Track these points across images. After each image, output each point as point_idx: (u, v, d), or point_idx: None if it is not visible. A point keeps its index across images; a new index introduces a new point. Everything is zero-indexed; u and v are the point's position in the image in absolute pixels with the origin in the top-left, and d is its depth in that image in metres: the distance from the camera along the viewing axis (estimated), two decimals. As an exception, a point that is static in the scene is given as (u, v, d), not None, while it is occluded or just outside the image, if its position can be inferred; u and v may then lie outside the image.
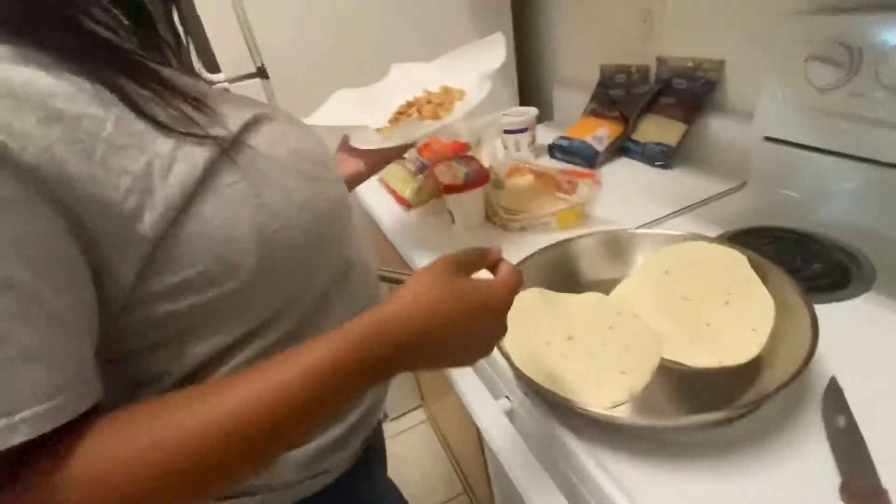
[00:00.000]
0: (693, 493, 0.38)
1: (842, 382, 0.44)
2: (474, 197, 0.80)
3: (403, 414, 1.64)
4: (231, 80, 1.01)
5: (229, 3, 0.96)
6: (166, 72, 0.34)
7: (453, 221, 0.84)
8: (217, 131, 0.33)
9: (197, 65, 0.49)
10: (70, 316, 0.27)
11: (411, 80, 0.76)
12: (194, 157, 0.31)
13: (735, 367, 0.46)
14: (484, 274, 0.40)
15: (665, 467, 0.40)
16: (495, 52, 0.69)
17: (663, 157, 0.90)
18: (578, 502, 0.44)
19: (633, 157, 0.97)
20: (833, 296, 0.55)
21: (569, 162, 1.00)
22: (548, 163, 1.02)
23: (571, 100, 1.18)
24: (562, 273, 0.61)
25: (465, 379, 0.59)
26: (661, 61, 0.96)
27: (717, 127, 0.86)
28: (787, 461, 0.39)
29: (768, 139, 0.75)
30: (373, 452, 0.54)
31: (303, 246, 0.37)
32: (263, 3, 0.98)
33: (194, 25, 0.95)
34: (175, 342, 0.34)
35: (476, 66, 0.68)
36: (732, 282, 0.52)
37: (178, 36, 0.41)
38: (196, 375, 0.36)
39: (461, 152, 0.94)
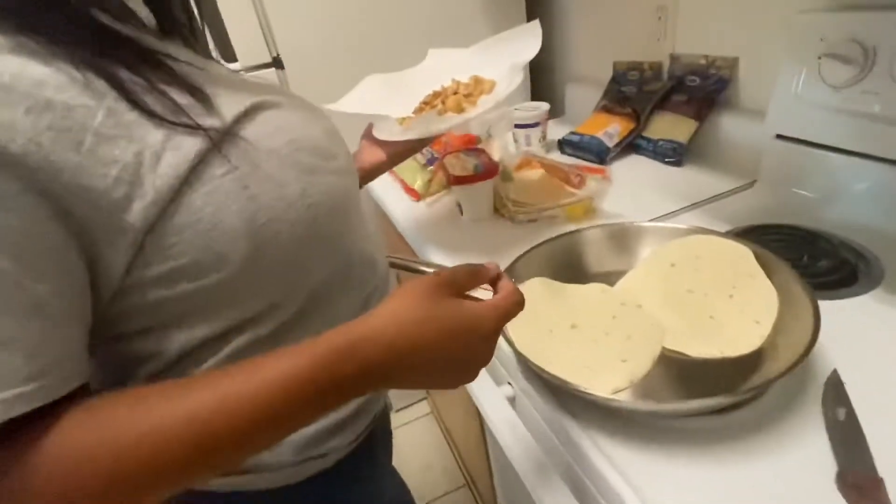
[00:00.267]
0: (691, 478, 0.39)
1: (844, 376, 0.44)
2: (483, 189, 0.81)
3: (408, 406, 1.65)
4: (246, 70, 1.02)
5: (247, -6, 0.98)
6: (169, 61, 0.34)
7: (462, 213, 0.84)
8: (210, 121, 0.32)
9: (213, 53, 0.49)
10: (53, 302, 0.27)
11: (446, 66, 0.73)
12: (185, 147, 0.31)
13: (737, 359, 0.46)
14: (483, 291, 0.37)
15: (665, 453, 0.41)
16: (531, 41, 0.66)
17: (674, 154, 0.90)
18: (578, 488, 0.45)
19: (643, 154, 0.97)
20: (839, 293, 0.54)
21: (579, 157, 1.01)
22: (558, 158, 1.02)
23: (584, 96, 1.18)
24: (567, 264, 0.62)
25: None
26: (674, 58, 0.96)
27: (729, 125, 0.86)
28: (785, 450, 0.39)
29: (780, 137, 0.75)
30: (375, 439, 0.54)
31: (297, 239, 0.37)
32: (281, -7, 0.99)
33: (212, 14, 0.97)
34: (168, 326, 0.35)
35: (510, 56, 0.65)
36: (737, 275, 0.52)
37: (192, 16, 0.42)
38: (190, 357, 0.36)
39: (471, 145, 0.95)
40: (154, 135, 0.30)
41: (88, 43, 0.29)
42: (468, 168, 0.80)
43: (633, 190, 0.86)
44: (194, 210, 0.31)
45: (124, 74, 0.30)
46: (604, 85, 1.11)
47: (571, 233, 0.63)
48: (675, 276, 0.56)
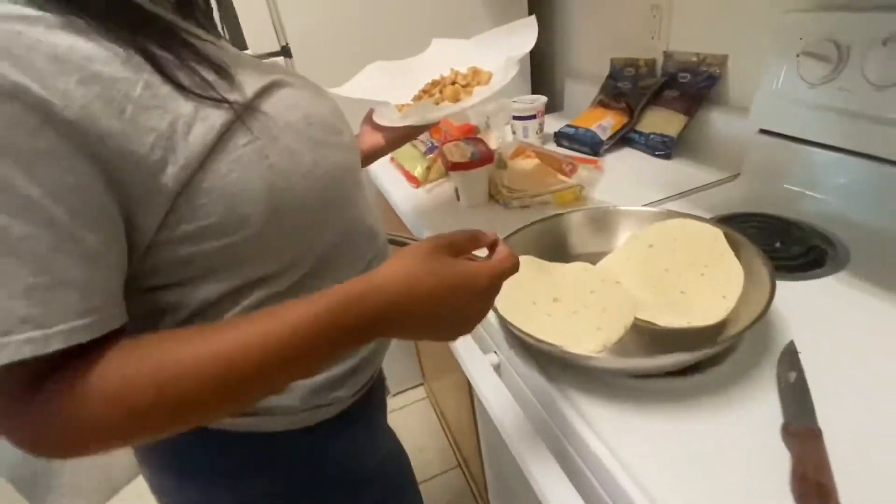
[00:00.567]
0: (657, 431, 0.42)
1: (800, 347, 0.48)
2: (479, 175, 0.85)
3: (404, 391, 1.70)
4: (257, 57, 1.06)
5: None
6: (194, 40, 0.37)
7: (458, 198, 0.88)
8: (234, 96, 0.36)
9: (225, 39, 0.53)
10: (101, 251, 0.31)
11: (448, 56, 0.76)
12: (212, 118, 0.34)
13: (703, 329, 0.50)
14: (481, 254, 0.41)
15: (633, 410, 0.45)
16: (527, 36, 0.68)
17: (664, 148, 0.94)
18: (555, 445, 0.49)
19: (636, 147, 1.01)
20: (807, 275, 0.58)
21: (574, 149, 1.05)
22: (555, 149, 1.06)
23: (582, 91, 1.22)
24: (554, 245, 0.66)
25: (461, 342, 0.65)
26: (667, 56, 0.99)
27: (717, 120, 0.90)
28: (741, 407, 0.43)
29: (763, 132, 0.78)
30: (373, 396, 0.59)
31: (308, 205, 0.41)
32: (291, -16, 1.03)
33: (226, 4, 1.01)
34: (193, 280, 0.39)
35: (506, 50, 0.68)
36: (709, 255, 0.56)
37: (209, 2, 0.46)
38: (211, 309, 0.40)
39: (470, 134, 0.99)
40: (185, 106, 0.33)
41: (127, 23, 0.33)
42: (465, 155, 0.84)
43: (624, 180, 0.90)
44: (220, 175, 0.35)
45: (158, 52, 0.33)
46: (601, 80, 1.14)
47: (558, 215, 0.67)
48: (653, 256, 0.60)
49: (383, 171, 1.09)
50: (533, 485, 0.46)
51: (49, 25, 0.29)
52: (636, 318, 0.53)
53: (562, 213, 0.67)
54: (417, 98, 0.74)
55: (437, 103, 0.68)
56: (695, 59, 0.94)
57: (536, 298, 0.57)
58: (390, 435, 0.66)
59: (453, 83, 0.71)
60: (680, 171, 0.90)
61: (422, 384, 1.71)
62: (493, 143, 0.99)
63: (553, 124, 1.14)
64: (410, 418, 1.61)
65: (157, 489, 0.50)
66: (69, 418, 0.29)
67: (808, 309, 0.53)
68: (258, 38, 1.06)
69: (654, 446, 0.41)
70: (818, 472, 0.36)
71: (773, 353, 0.48)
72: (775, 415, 0.42)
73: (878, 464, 0.37)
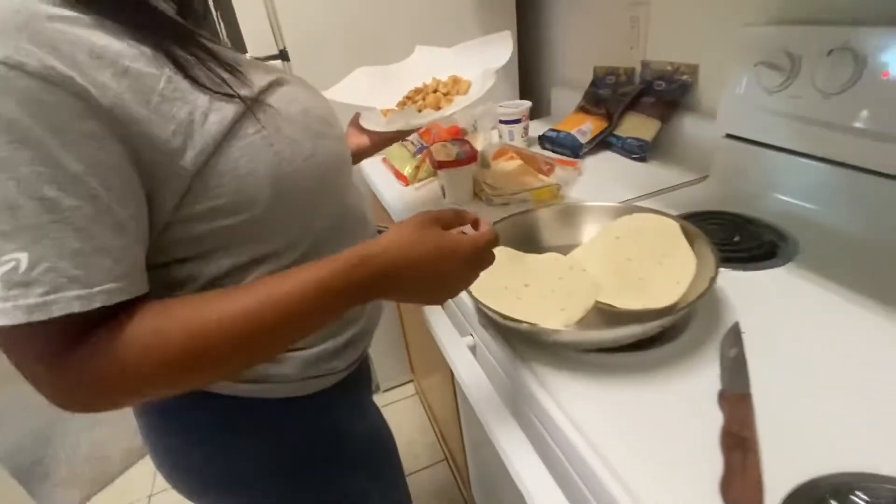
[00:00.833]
0: (609, 399, 0.47)
1: (745, 328, 0.53)
2: (463, 173, 0.90)
3: (394, 387, 1.74)
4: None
5: (259, -9, 1.07)
6: (209, 43, 0.43)
7: (444, 195, 0.93)
8: (243, 91, 0.41)
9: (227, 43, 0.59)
10: (131, 225, 0.36)
11: (430, 63, 0.81)
12: (224, 110, 0.39)
13: (658, 310, 0.55)
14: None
15: (591, 381, 0.49)
16: (502, 49, 0.73)
17: (639, 151, 0.99)
18: (521, 414, 0.53)
19: (614, 150, 1.06)
20: (759, 265, 0.63)
21: (556, 151, 1.10)
22: (539, 152, 1.11)
23: (567, 98, 1.28)
24: (527, 237, 0.70)
25: (437, 319, 0.69)
26: (644, 65, 1.05)
27: (689, 125, 0.95)
28: (686, 378, 0.48)
29: (729, 136, 0.84)
30: (362, 373, 0.65)
31: (308, 188, 0.46)
32: (289, -8, 1.09)
33: (228, 10, 1.07)
34: (204, 256, 0.43)
35: (484, 61, 0.72)
36: (666, 245, 0.61)
37: (208, 9, 0.51)
38: (218, 283, 0.44)
39: (457, 136, 1.04)
40: (202, 99, 0.38)
41: (151, 26, 0.38)
42: (451, 155, 0.89)
43: (601, 180, 0.95)
44: (232, 160, 0.40)
45: (178, 52, 0.38)
46: (585, 88, 1.20)
47: (531, 210, 0.72)
48: (618, 246, 0.64)
49: (374, 170, 1.14)
50: (501, 454, 0.50)
51: (85, 25, 0.34)
52: (598, 302, 0.58)
53: (535, 209, 0.72)
54: (401, 104, 0.79)
55: (419, 110, 0.73)
56: (669, 67, 0.99)
57: (509, 284, 0.62)
58: (376, 410, 0.71)
59: (435, 91, 0.76)
60: (654, 173, 0.95)
61: (411, 381, 1.75)
62: (479, 145, 1.04)
63: (539, 128, 1.19)
64: (400, 414, 1.65)
65: (162, 451, 0.54)
66: (106, 369, 0.33)
67: (756, 295, 0.58)
68: (257, 42, 1.11)
69: (607, 412, 0.46)
70: (743, 427, 0.40)
71: (720, 333, 0.53)
72: (716, 384, 0.47)
73: (798, 423, 0.42)
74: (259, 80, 0.44)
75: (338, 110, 0.57)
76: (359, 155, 0.74)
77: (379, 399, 1.58)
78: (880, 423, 0.41)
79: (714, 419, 0.43)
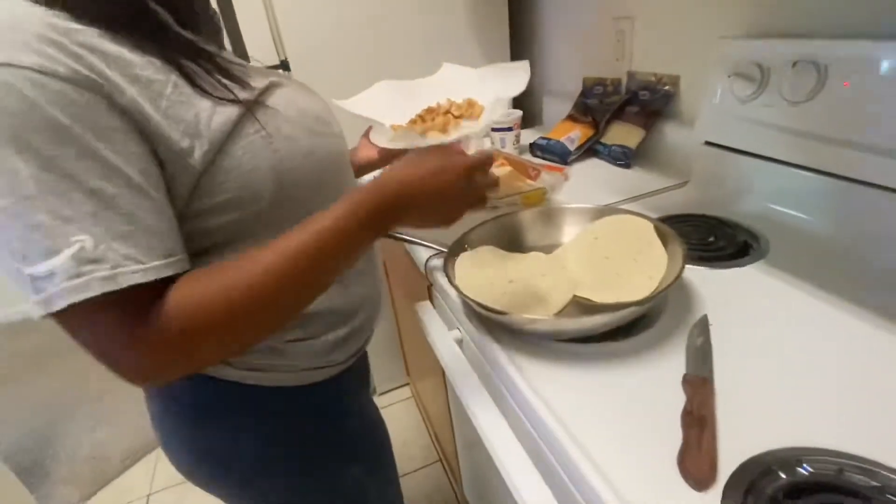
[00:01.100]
0: (584, 385, 0.50)
1: (714, 320, 0.56)
2: (455, 178, 0.93)
3: (390, 390, 1.76)
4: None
5: (261, 6, 1.12)
6: (212, 52, 0.46)
7: (437, 199, 0.97)
8: (244, 95, 0.45)
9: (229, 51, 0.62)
10: (165, 207, 0.40)
11: (453, 82, 0.80)
12: (227, 112, 0.43)
13: (632, 302, 0.58)
14: None
15: (566, 368, 0.52)
16: (520, 79, 0.73)
17: (624, 158, 1.03)
18: (500, 396, 0.56)
19: (601, 157, 1.10)
20: (731, 263, 0.67)
21: (546, 158, 1.14)
22: (529, 159, 1.16)
23: (558, 107, 1.32)
24: (513, 238, 0.74)
25: (428, 315, 0.73)
26: (630, 75, 1.10)
27: (671, 133, 0.99)
28: (654, 365, 0.51)
29: (708, 143, 0.88)
30: (360, 367, 0.68)
31: (307, 184, 0.49)
32: (290, 4, 1.14)
33: (231, 21, 1.12)
34: (210, 250, 0.46)
35: (499, 88, 0.72)
36: (642, 243, 0.64)
37: (211, 20, 0.55)
38: None
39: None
40: (206, 103, 0.42)
41: (161, 41, 0.42)
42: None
43: (587, 185, 0.99)
44: (236, 158, 0.43)
45: (183, 62, 0.42)
46: (575, 97, 1.24)
47: (516, 212, 0.75)
48: (596, 245, 0.68)
49: (373, 173, 1.18)
50: (482, 437, 0.53)
51: (97, 35, 0.37)
52: (577, 296, 0.61)
53: (519, 211, 0.76)
54: (412, 122, 0.79)
55: (425, 132, 0.75)
56: (653, 78, 1.04)
57: (494, 280, 0.65)
58: (374, 406, 0.74)
59: (446, 113, 0.76)
60: (637, 179, 0.99)
61: (407, 384, 1.77)
62: (471, 152, 1.08)
63: (531, 136, 1.24)
64: (396, 416, 1.67)
65: (168, 432, 0.57)
66: (166, 336, 0.37)
67: (726, 291, 0.62)
68: (259, 52, 1.16)
69: (579, 395, 0.49)
70: (702, 407, 0.44)
71: (690, 325, 0.56)
72: (682, 370, 0.50)
73: (754, 404, 0.45)
74: (258, 83, 0.48)
75: (353, 120, 0.60)
76: (367, 167, 0.78)
77: (376, 401, 1.60)
78: (828, 403, 0.45)
79: (678, 401, 0.46)
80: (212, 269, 0.40)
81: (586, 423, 0.45)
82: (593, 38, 1.20)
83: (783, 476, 0.38)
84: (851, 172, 0.66)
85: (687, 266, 0.65)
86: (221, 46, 0.55)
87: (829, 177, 0.69)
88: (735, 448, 0.41)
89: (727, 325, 0.55)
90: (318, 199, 0.51)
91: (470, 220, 0.88)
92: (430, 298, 0.81)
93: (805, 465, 0.39)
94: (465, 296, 0.58)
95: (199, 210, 0.43)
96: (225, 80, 0.45)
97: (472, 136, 0.68)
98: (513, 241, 0.74)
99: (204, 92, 0.42)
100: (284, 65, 1.19)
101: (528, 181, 0.94)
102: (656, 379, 0.50)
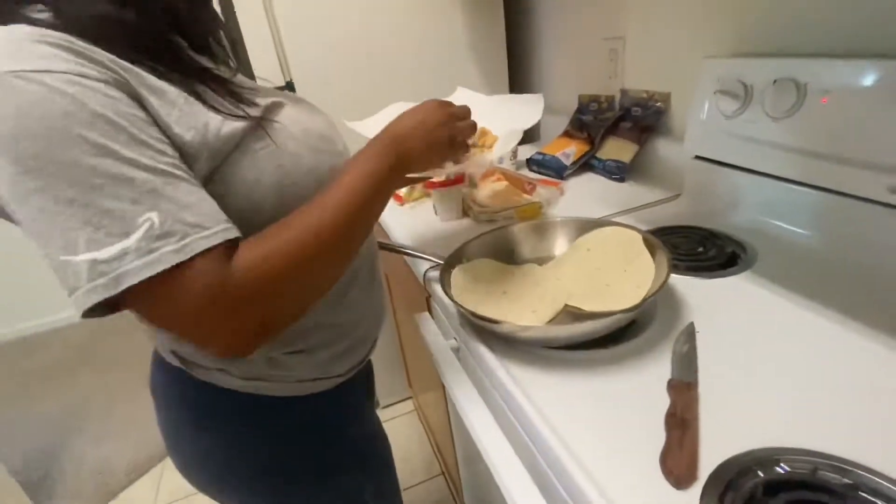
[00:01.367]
0: (573, 391, 0.52)
1: (700, 327, 0.58)
2: (453, 193, 0.97)
3: (393, 403, 1.77)
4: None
5: (267, 31, 1.17)
6: (224, 77, 0.49)
7: (436, 213, 1.00)
8: (251, 111, 0.48)
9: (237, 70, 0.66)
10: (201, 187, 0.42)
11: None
12: (234, 127, 0.45)
13: (620, 311, 0.60)
14: None
15: (557, 375, 0.54)
16: (533, 112, 0.76)
17: (619, 172, 1.06)
18: (492, 403, 0.58)
19: (596, 172, 1.13)
20: (720, 273, 0.69)
21: (542, 173, 1.17)
22: (525, 173, 1.19)
23: (555, 124, 1.35)
24: (509, 250, 0.77)
25: (427, 326, 0.75)
26: (623, 92, 1.13)
27: (663, 147, 1.02)
28: (642, 371, 0.53)
29: (698, 157, 0.90)
30: (363, 380, 0.70)
31: (307, 197, 0.50)
32: (294, 29, 1.19)
33: (238, 44, 1.17)
34: None
35: (513, 119, 0.74)
36: (631, 254, 0.66)
37: (222, 45, 0.58)
38: None
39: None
40: (215, 116, 0.44)
41: (176, 66, 0.45)
42: (442, 176, 0.96)
43: (582, 199, 1.02)
44: (239, 172, 0.46)
45: (197, 85, 0.45)
46: (570, 114, 1.28)
47: (511, 226, 0.78)
48: (588, 257, 0.70)
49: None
50: (476, 441, 0.55)
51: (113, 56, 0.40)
52: (568, 306, 0.63)
53: (515, 224, 0.78)
54: None
55: None
56: (645, 95, 1.07)
57: (490, 291, 0.68)
58: (376, 418, 0.75)
59: None
60: (631, 192, 1.02)
61: (410, 397, 1.78)
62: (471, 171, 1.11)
63: (528, 152, 1.27)
64: (399, 430, 1.68)
65: (174, 438, 0.59)
66: (238, 295, 0.40)
67: (713, 300, 0.64)
68: (265, 74, 1.21)
69: (569, 399, 0.51)
70: (685, 410, 0.46)
71: (677, 332, 0.58)
72: (665, 373, 0.52)
73: (736, 406, 0.47)
74: (264, 101, 0.51)
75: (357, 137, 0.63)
76: None
77: (378, 415, 1.61)
78: (806, 406, 0.46)
79: (662, 404, 0.48)
80: (267, 231, 0.44)
81: (576, 427, 0.47)
82: (587, 57, 1.24)
83: (761, 475, 0.40)
84: (834, 185, 0.68)
85: (676, 275, 0.68)
86: (234, 71, 0.58)
87: (813, 189, 0.71)
88: (717, 449, 0.43)
89: (713, 332, 0.57)
90: None
91: (467, 233, 0.93)
92: (429, 309, 0.83)
93: (783, 464, 0.41)
94: (459, 305, 0.60)
95: None
96: (233, 99, 0.47)
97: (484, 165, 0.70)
98: (508, 254, 0.76)
99: (214, 109, 0.45)
100: (290, 86, 1.23)
101: (525, 195, 0.97)
102: (643, 384, 0.51)
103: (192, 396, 0.55)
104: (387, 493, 0.75)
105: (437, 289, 0.74)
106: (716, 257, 0.72)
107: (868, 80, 0.62)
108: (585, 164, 1.15)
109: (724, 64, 0.80)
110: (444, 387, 0.97)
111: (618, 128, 1.11)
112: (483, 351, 0.60)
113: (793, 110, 0.69)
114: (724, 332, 0.58)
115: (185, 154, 0.42)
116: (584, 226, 0.75)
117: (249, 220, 0.47)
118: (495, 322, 0.57)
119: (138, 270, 0.36)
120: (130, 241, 0.36)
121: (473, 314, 0.58)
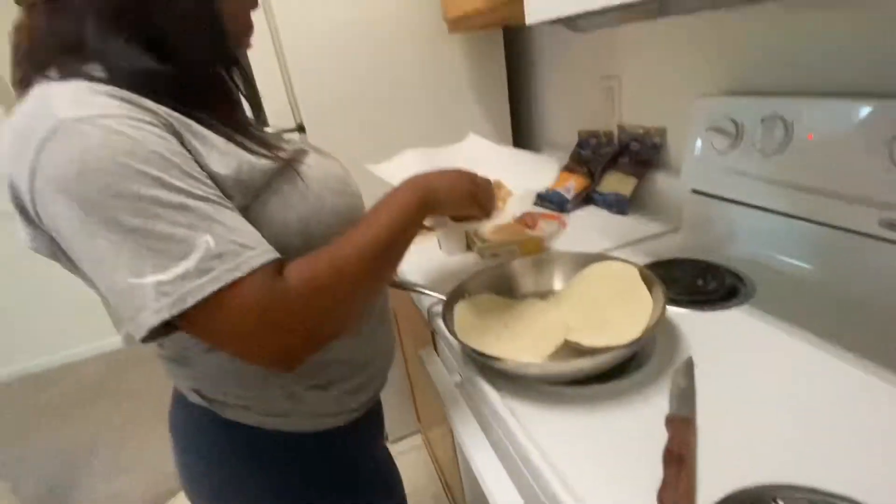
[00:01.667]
0: (573, 424, 0.53)
1: (699, 361, 0.59)
2: (457, 228, 0.99)
3: (402, 438, 1.76)
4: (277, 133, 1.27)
5: (279, 77, 1.24)
6: (251, 124, 0.54)
7: (441, 248, 1.03)
8: (281, 154, 0.52)
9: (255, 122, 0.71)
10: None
11: (478, 156, 0.83)
12: (265, 166, 0.50)
13: (619, 346, 0.61)
14: None
15: (558, 410, 0.55)
16: (547, 174, 0.79)
17: (619, 205, 1.08)
18: (494, 437, 0.59)
19: (597, 205, 1.16)
20: (719, 306, 0.70)
21: (544, 207, 1.20)
22: (527, 208, 1.21)
23: (556, 159, 1.39)
24: (510, 285, 0.79)
25: (431, 360, 0.76)
26: (621, 128, 1.16)
27: (661, 181, 1.05)
28: (639, 405, 0.54)
29: (695, 191, 0.93)
30: (373, 415, 0.71)
31: (330, 236, 0.54)
32: (303, 73, 1.25)
33: (252, 91, 1.23)
34: None
35: (527, 177, 0.77)
36: (628, 288, 0.68)
37: (240, 94, 0.63)
38: None
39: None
40: (249, 158, 0.49)
41: (215, 115, 0.49)
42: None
43: (584, 232, 1.04)
44: (270, 209, 0.50)
45: (233, 133, 0.50)
46: (571, 149, 1.31)
47: (514, 260, 0.80)
48: (587, 291, 0.72)
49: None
50: (480, 480, 0.56)
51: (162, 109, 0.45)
52: (567, 340, 0.64)
53: (516, 259, 0.80)
54: None
55: None
56: (642, 130, 1.10)
57: (491, 326, 0.69)
58: (387, 452, 0.76)
59: None
60: (632, 225, 1.04)
61: (419, 432, 1.77)
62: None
63: (530, 186, 1.30)
64: (407, 463, 1.66)
65: (187, 472, 0.61)
66: (279, 302, 0.43)
67: (712, 333, 0.65)
68: (277, 116, 1.27)
69: (567, 434, 0.52)
70: (682, 446, 0.46)
71: (677, 366, 0.59)
72: (663, 408, 0.53)
73: (734, 443, 0.48)
74: (289, 147, 0.55)
75: (375, 184, 0.68)
76: None
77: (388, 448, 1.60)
78: (803, 441, 0.47)
79: (660, 439, 0.49)
80: (315, 252, 0.48)
81: (575, 463, 0.48)
82: (585, 94, 1.29)
83: (758, 511, 0.40)
84: (826, 218, 0.69)
85: (676, 309, 0.69)
86: (261, 121, 0.63)
87: (806, 222, 0.72)
88: (714, 484, 0.43)
89: (712, 367, 0.58)
90: None
91: (471, 268, 0.95)
92: (434, 345, 0.85)
93: (779, 500, 0.41)
94: (461, 342, 0.62)
95: None
96: (260, 144, 0.52)
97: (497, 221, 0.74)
98: (510, 288, 0.78)
99: (248, 150, 0.49)
100: (300, 127, 1.29)
101: (527, 230, 0.99)
102: (642, 419, 0.52)
103: (213, 434, 0.57)
104: None
105: (441, 324, 0.76)
106: (716, 290, 0.73)
107: (850, 118, 0.64)
108: (587, 198, 1.17)
109: (716, 102, 0.83)
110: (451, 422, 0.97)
111: (617, 162, 1.14)
112: (485, 386, 0.61)
113: (782, 147, 0.72)
114: (722, 366, 0.58)
115: (222, 190, 0.46)
116: (584, 260, 0.76)
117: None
118: (496, 359, 0.58)
119: (201, 288, 0.39)
120: (191, 263, 0.40)
121: (475, 351, 0.60)
